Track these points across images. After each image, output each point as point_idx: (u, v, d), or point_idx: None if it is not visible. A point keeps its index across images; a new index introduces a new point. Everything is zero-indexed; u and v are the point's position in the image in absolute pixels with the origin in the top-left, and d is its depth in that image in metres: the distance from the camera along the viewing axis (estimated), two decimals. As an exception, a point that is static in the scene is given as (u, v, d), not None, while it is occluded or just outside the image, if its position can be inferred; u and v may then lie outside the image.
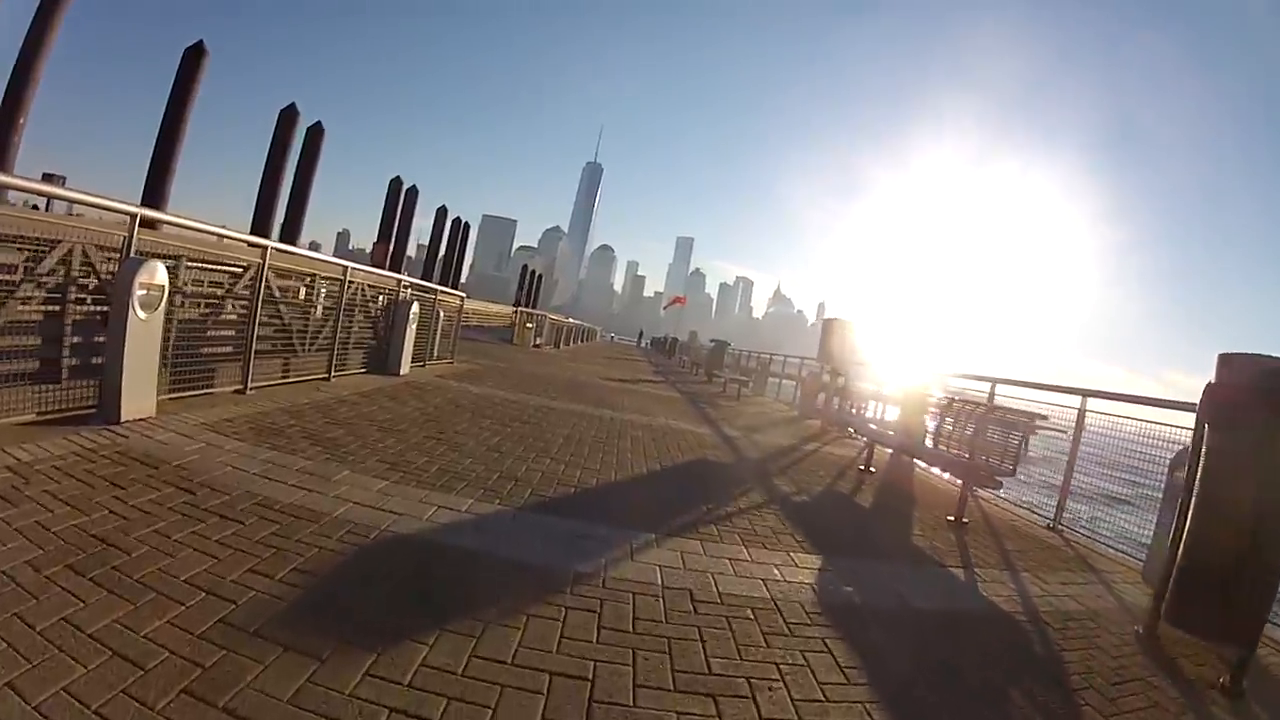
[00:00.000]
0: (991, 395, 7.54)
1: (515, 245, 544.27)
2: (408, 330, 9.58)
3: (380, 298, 9.79)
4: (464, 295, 15.07)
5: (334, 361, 7.98)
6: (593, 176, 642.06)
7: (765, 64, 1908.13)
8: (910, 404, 8.64)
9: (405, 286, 10.27)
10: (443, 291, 12.57)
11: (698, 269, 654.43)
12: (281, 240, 22.34)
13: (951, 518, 5.42)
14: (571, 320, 39.30)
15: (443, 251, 38.14)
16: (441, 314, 12.16)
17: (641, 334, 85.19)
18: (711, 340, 21.34)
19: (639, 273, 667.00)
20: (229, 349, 6.09)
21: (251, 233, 11.45)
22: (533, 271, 64.81)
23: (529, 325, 24.18)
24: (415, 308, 9.77)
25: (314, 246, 31.32)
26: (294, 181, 24.36)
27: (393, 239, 30.98)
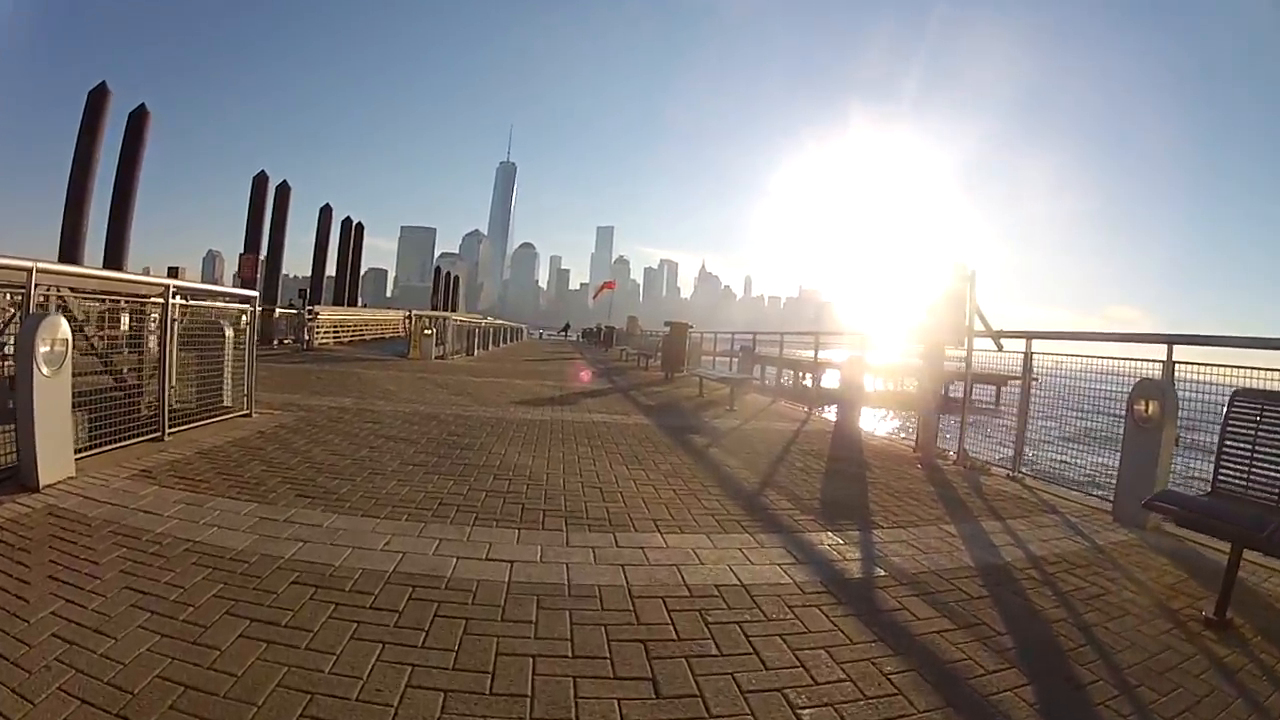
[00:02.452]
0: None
1: (437, 253, 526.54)
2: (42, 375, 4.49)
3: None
4: (307, 305, 9.88)
5: None
6: (507, 176, 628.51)
7: (668, 41, 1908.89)
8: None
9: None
10: (219, 294, 7.43)
11: (621, 256, 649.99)
12: (106, 265, 16.58)
13: None
14: (489, 320, 33.79)
15: (336, 262, 32.13)
16: (228, 331, 7.11)
17: (567, 326, 79.86)
18: (666, 324, 16.51)
19: (563, 266, 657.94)
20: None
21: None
22: (447, 274, 58.71)
23: (427, 332, 18.89)
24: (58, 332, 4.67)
25: (174, 273, 25.18)
26: (116, 184, 18.41)
27: (264, 248, 24.76)
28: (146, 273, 17.67)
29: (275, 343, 21.32)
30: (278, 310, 22.26)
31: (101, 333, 6.50)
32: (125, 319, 6.66)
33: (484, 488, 4.64)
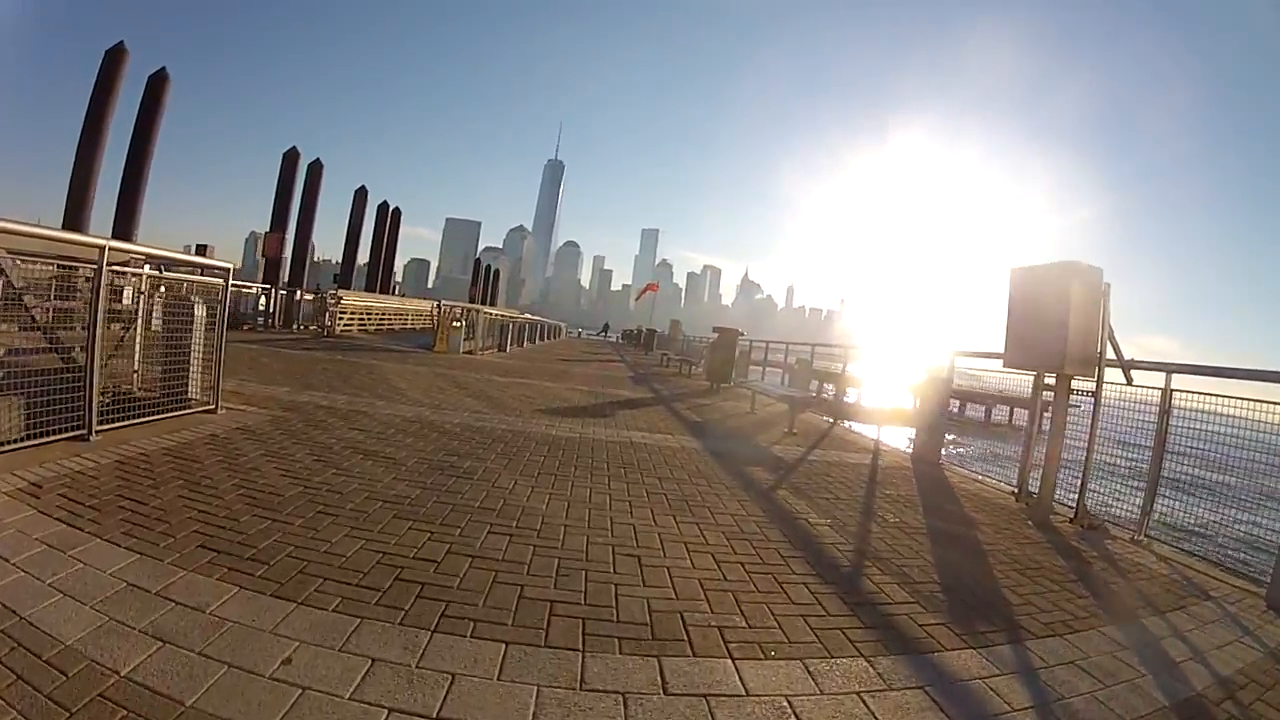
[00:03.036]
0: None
1: (481, 246, 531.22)
2: None
3: None
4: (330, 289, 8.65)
5: None
6: (554, 174, 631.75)
7: (724, 52, 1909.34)
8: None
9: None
10: (182, 263, 6.26)
11: (664, 260, 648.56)
12: (115, 235, 16.06)
13: None
14: (526, 316, 32.66)
15: (370, 247, 31.36)
16: (198, 310, 5.96)
17: (606, 326, 78.89)
18: (714, 329, 14.96)
19: (605, 267, 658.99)
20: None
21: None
22: (488, 266, 57.96)
23: (456, 324, 17.71)
24: None
25: (201, 250, 24.57)
26: (129, 156, 17.70)
27: (293, 226, 23.94)
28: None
29: (296, 327, 20.43)
30: (299, 293, 21.34)
31: (51, 304, 5.32)
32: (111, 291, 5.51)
33: (470, 551, 3.23)
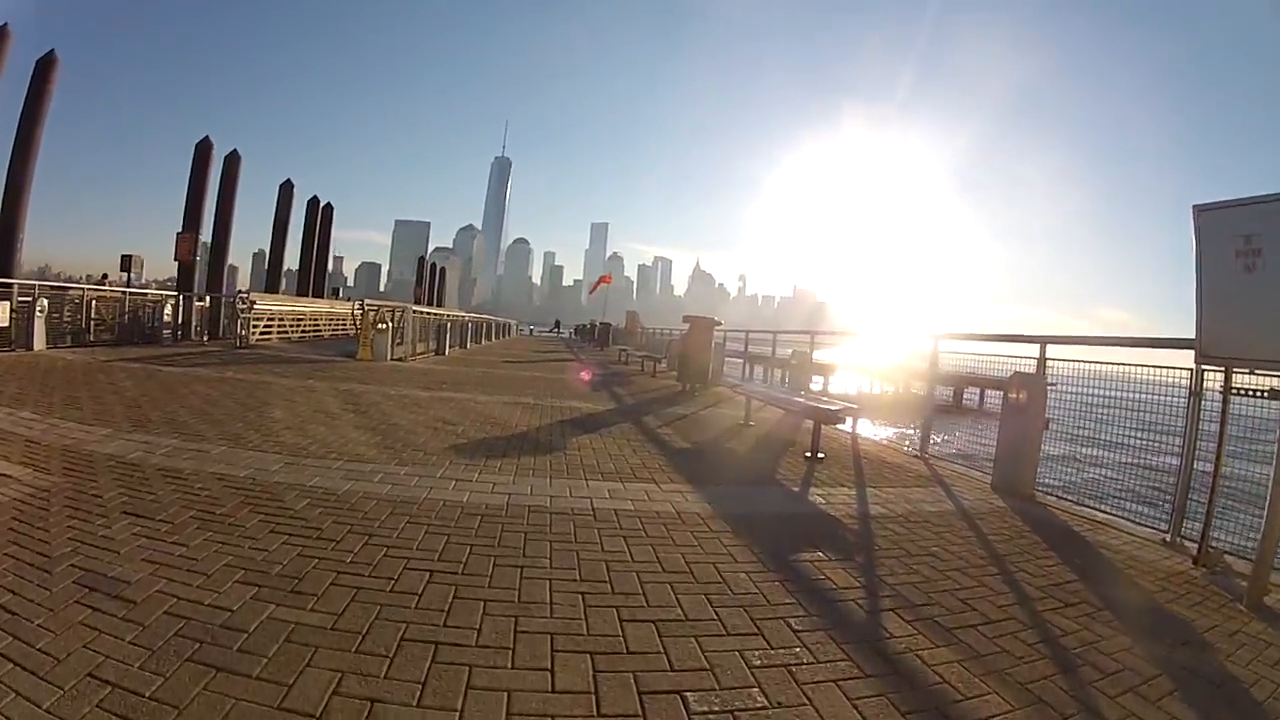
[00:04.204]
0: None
1: (431, 247, 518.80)
2: None
3: None
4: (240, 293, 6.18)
5: None
6: (502, 171, 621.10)
7: (670, 39, 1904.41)
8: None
9: None
10: None
11: (615, 253, 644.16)
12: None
13: None
14: (471, 315, 29.77)
15: (300, 247, 28.01)
16: None
17: (558, 323, 76.07)
18: (685, 319, 12.47)
19: (556, 263, 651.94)
20: None
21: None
22: (432, 265, 54.44)
23: (380, 327, 14.95)
24: None
25: (127, 262, 20.92)
26: (16, 141, 14.97)
27: (202, 226, 20.58)
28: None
29: (206, 339, 17.41)
30: (208, 299, 18.28)
31: None
32: None
33: None
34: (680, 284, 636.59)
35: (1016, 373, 6.08)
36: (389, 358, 14.81)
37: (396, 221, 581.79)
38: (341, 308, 26.43)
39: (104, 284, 18.87)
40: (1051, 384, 5.73)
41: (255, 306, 17.66)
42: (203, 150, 19.97)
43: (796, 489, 5.33)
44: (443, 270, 58.56)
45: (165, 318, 16.44)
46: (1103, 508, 5.44)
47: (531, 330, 71.95)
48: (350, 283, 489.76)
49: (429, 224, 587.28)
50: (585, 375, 15.15)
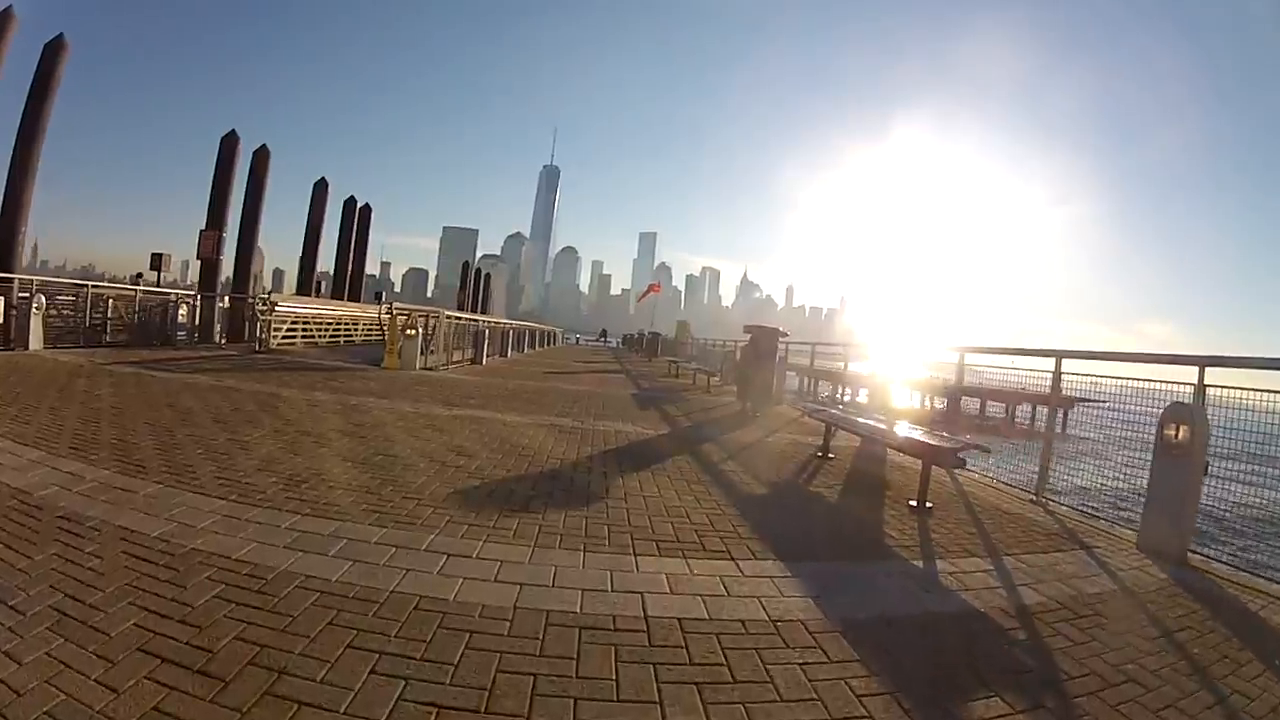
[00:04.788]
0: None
1: (479, 254, 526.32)
2: None
3: None
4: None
5: None
6: (551, 179, 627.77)
7: (719, 52, 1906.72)
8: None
9: None
10: None
11: (663, 263, 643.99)
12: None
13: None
14: (515, 322, 28.73)
15: (336, 250, 27.40)
16: None
17: (604, 332, 75.18)
18: (747, 330, 10.98)
19: (604, 271, 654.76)
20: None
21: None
22: (477, 270, 53.86)
23: (410, 331, 13.86)
24: None
25: (157, 260, 20.64)
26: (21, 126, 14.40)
27: (227, 223, 19.97)
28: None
29: (225, 341, 16.61)
30: (227, 299, 17.50)
31: None
32: None
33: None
34: (728, 294, 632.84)
35: (1174, 404, 4.56)
36: (417, 366, 13.70)
37: (444, 228, 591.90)
38: (370, 311, 25.54)
39: (139, 283, 18.35)
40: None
41: (277, 309, 16.78)
42: (228, 145, 19.27)
43: (919, 563, 3.84)
44: (488, 276, 58.05)
45: (181, 319, 15.65)
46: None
47: (578, 339, 70.96)
48: (397, 288, 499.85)
49: (477, 231, 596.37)
50: (632, 390, 13.78)
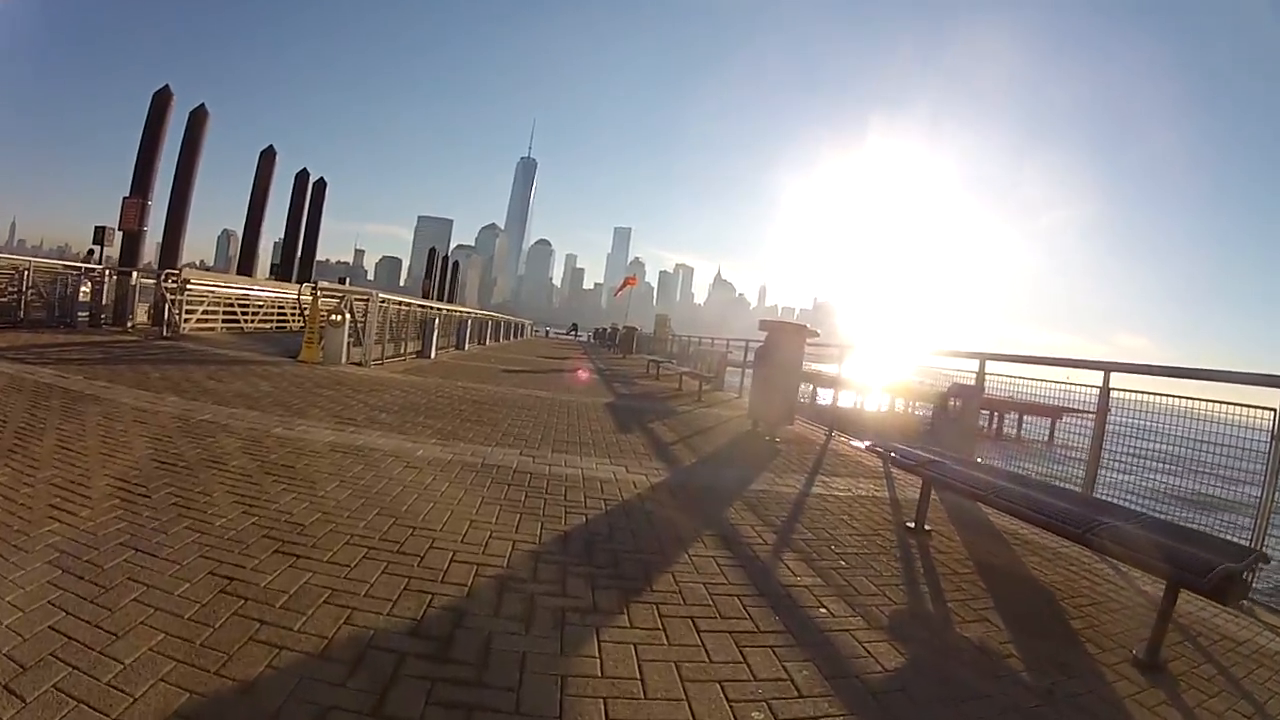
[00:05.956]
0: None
1: (453, 244, 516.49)
2: None
3: None
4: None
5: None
6: (527, 171, 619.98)
7: (699, 48, 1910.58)
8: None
9: None
10: None
11: (637, 258, 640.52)
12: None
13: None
14: (465, 311, 25.75)
15: (285, 227, 24.18)
16: None
17: (575, 326, 72.36)
18: (762, 326, 8.30)
19: (578, 265, 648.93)
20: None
21: None
22: (443, 258, 50.40)
23: (336, 317, 11.00)
24: None
25: (100, 233, 17.64)
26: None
27: (153, 190, 16.76)
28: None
29: (132, 325, 13.60)
30: (133, 276, 14.43)
31: None
32: None
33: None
34: (700, 292, 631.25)
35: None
36: (343, 360, 10.87)
37: (419, 217, 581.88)
38: (271, 291, 22.06)
39: (89, 260, 15.27)
40: None
41: (190, 288, 13.80)
42: (160, 102, 16.16)
43: None
44: (455, 264, 54.75)
45: (83, 297, 12.66)
46: None
47: (548, 332, 67.90)
48: (370, 276, 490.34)
49: (452, 221, 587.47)
50: (607, 399, 11.08)
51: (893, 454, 4.76)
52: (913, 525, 4.44)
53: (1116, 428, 5.08)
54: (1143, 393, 4.87)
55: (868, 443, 6.43)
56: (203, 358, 9.59)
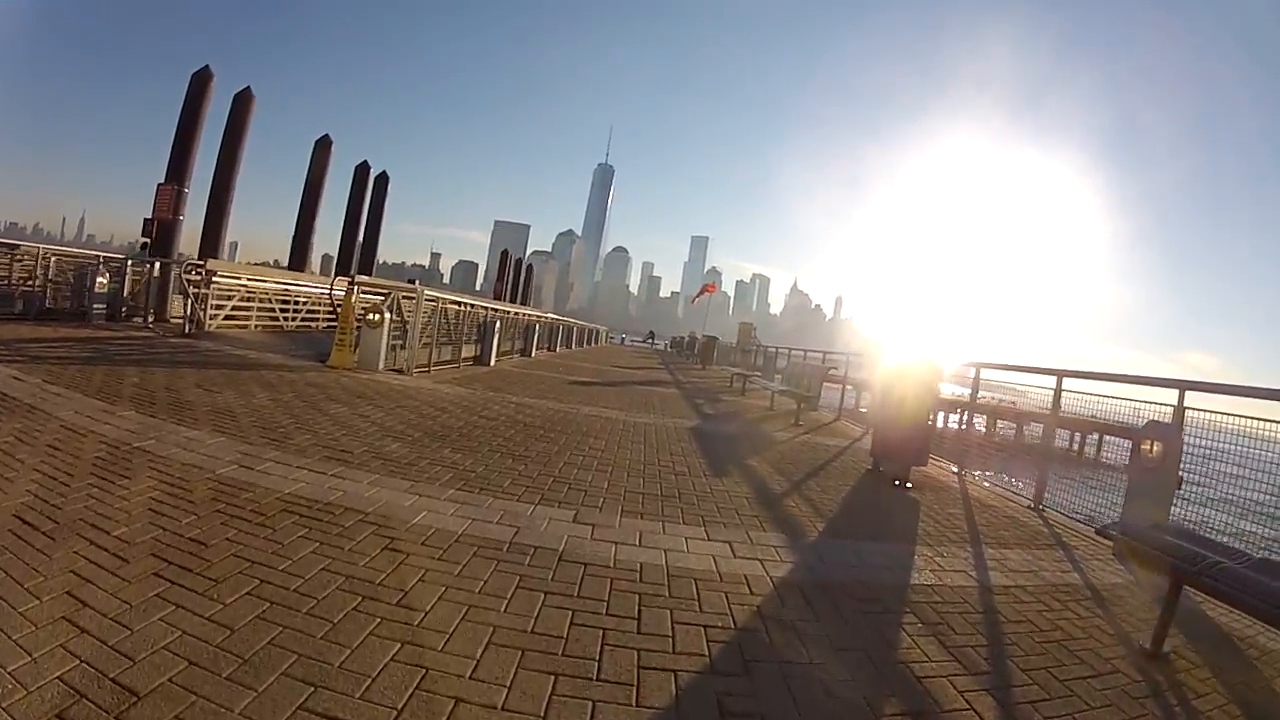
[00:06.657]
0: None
1: (529, 250, 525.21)
2: None
3: None
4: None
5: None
6: (604, 178, 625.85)
7: (769, 60, 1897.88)
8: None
9: None
10: None
11: (713, 267, 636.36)
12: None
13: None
14: (534, 314, 24.38)
15: (344, 222, 23.54)
16: None
17: (652, 334, 70.82)
18: (887, 370, 6.38)
19: (654, 273, 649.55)
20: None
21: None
22: (516, 261, 49.57)
23: (375, 316, 9.59)
24: None
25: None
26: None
27: (190, 177, 15.99)
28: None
29: (152, 320, 12.65)
30: (154, 267, 13.43)
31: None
32: None
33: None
34: (776, 302, 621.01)
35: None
36: (380, 367, 9.44)
37: (496, 222, 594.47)
38: (306, 286, 20.65)
39: (142, 253, 14.65)
40: None
41: (216, 280, 12.70)
42: (199, 82, 15.35)
43: None
44: (529, 267, 53.97)
45: (100, 288, 11.71)
46: None
47: (624, 339, 66.41)
48: (446, 279, 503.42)
49: (529, 227, 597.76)
50: (691, 420, 9.24)
51: (1133, 540, 2.80)
52: (1149, 647, 2.48)
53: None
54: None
55: (1096, 526, 4.42)
56: (209, 360, 8.30)
